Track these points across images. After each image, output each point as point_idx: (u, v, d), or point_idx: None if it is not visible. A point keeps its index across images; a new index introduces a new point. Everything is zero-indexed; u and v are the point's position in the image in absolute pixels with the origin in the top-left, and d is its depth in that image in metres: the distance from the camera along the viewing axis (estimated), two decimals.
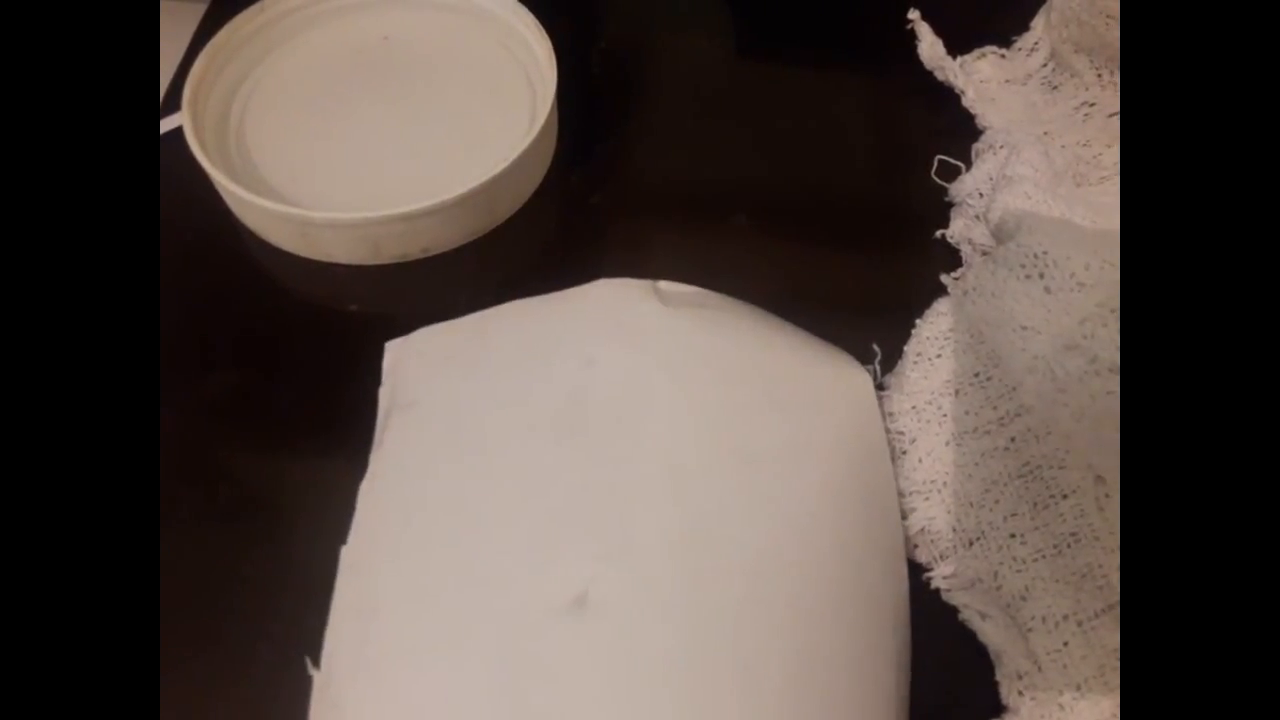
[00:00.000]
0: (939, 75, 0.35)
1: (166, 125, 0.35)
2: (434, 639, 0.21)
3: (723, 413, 0.24)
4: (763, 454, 0.24)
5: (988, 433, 0.25)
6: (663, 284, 0.27)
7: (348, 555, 0.24)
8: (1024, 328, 0.24)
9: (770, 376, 0.26)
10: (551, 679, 0.20)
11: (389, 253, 0.32)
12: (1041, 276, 0.25)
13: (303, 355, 0.31)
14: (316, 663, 0.22)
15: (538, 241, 0.34)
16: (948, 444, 0.25)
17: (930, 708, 0.23)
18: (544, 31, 0.35)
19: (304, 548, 0.25)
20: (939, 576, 0.25)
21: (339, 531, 0.24)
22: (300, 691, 0.22)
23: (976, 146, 0.33)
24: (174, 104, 0.36)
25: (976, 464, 0.25)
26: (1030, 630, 0.23)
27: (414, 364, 0.27)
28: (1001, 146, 0.31)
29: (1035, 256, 0.25)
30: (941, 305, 0.28)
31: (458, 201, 0.30)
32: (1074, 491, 0.24)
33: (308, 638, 0.23)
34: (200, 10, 0.39)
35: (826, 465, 0.24)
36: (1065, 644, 0.23)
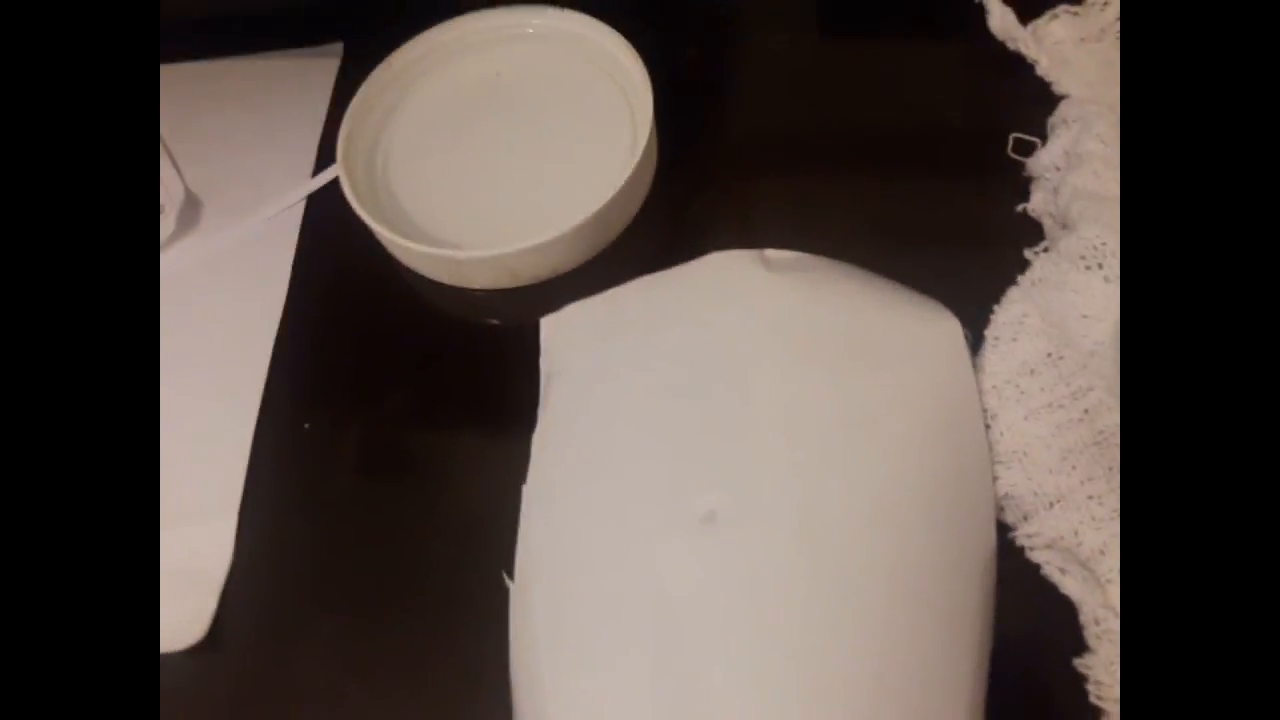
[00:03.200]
0: (1010, 46, 0.37)
1: (323, 178, 0.41)
2: (598, 550, 0.27)
3: (825, 365, 0.29)
4: (863, 399, 0.28)
5: (1062, 406, 0.28)
6: (769, 252, 0.32)
7: (528, 491, 0.30)
8: (1085, 316, 0.27)
9: (868, 329, 0.30)
10: (686, 577, 0.26)
11: (524, 276, 0.36)
12: (1100, 267, 0.27)
13: (458, 367, 0.37)
14: (511, 576, 0.28)
15: (649, 249, 0.38)
16: (1026, 418, 0.28)
17: (1020, 651, 0.27)
18: (636, 53, 0.38)
19: (489, 505, 0.31)
20: (1022, 535, 0.28)
21: (512, 493, 0.30)
22: (501, 604, 0.28)
23: (1051, 120, 0.34)
24: (325, 159, 0.41)
25: (1054, 435, 0.28)
26: (1109, 582, 0.26)
27: (566, 335, 0.33)
28: (1074, 120, 0.33)
29: (1094, 248, 0.27)
30: (1014, 294, 0.30)
31: (577, 228, 0.35)
32: None
33: (507, 564, 0.29)
34: (330, 72, 0.44)
35: (920, 411, 0.28)
36: None
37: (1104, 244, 0.27)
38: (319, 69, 0.44)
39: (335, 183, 0.38)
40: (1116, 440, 0.27)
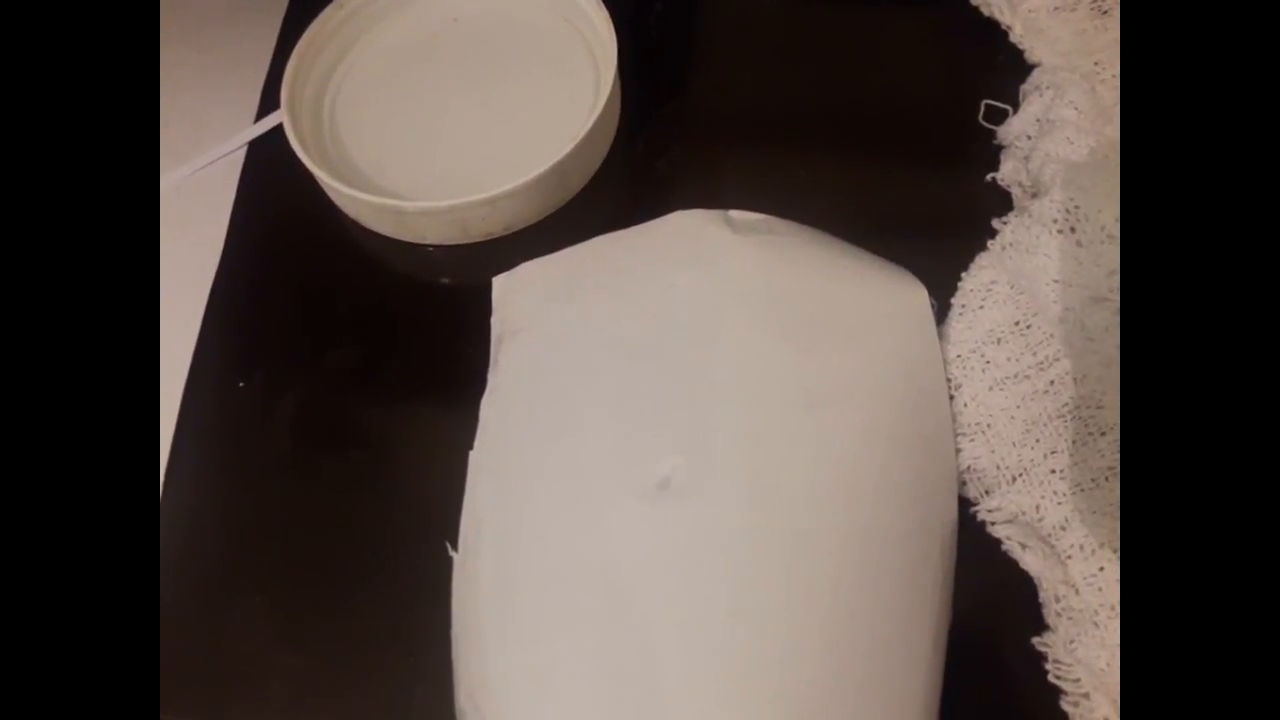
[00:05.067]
0: (984, 12, 0.36)
1: (267, 124, 0.39)
2: (547, 517, 0.26)
3: (787, 331, 0.28)
4: (825, 368, 0.27)
5: (1028, 377, 0.27)
6: (733, 213, 0.31)
7: (475, 458, 0.28)
8: (1056, 281, 0.26)
9: (832, 295, 0.29)
10: (639, 545, 0.25)
11: (476, 231, 0.35)
12: (1074, 230, 0.26)
13: (406, 326, 0.35)
14: (455, 547, 0.27)
15: (609, 207, 0.36)
16: (991, 389, 0.27)
17: (979, 629, 0.26)
18: (601, 2, 0.37)
19: (434, 472, 0.30)
20: (984, 510, 0.27)
21: (459, 461, 0.29)
22: (443, 575, 0.27)
23: (1024, 88, 0.34)
24: (268, 104, 0.39)
25: (1019, 406, 0.27)
26: (1069, 558, 0.26)
27: (519, 295, 0.31)
28: (1047, 87, 0.32)
29: (1068, 211, 0.26)
30: (983, 259, 0.29)
31: (534, 182, 0.33)
32: (1111, 428, 0.26)
33: (451, 534, 0.28)
34: (278, 12, 0.42)
35: (883, 381, 0.27)
36: (1100, 569, 0.25)
37: (1077, 207, 0.26)
38: (265, 6, 0.42)
39: (279, 128, 0.36)
40: (1081, 413, 0.26)
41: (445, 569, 0.28)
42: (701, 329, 0.28)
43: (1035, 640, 0.26)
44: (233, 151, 0.38)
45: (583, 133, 0.34)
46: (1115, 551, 0.25)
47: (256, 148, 0.39)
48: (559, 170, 0.34)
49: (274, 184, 0.37)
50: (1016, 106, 0.34)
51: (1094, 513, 0.26)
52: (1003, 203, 0.33)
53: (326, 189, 0.36)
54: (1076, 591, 0.25)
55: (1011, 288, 0.28)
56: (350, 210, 0.36)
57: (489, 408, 0.29)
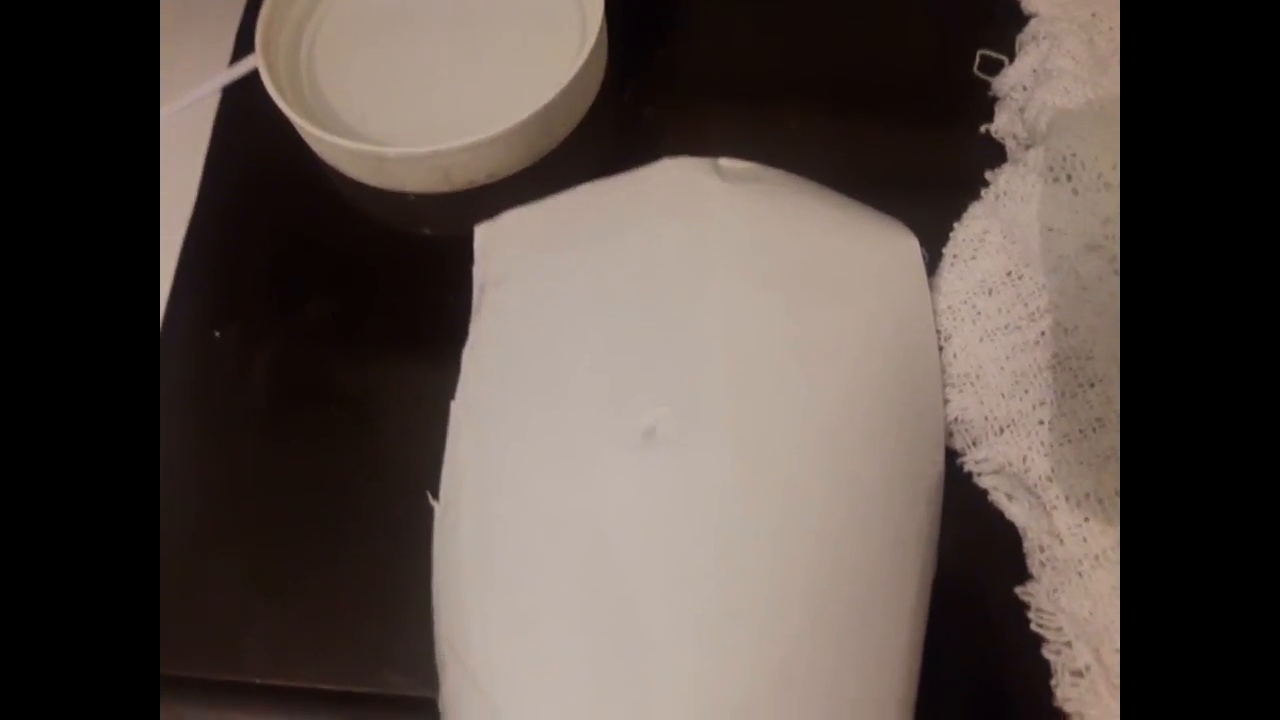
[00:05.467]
0: None
1: (242, 68, 0.37)
2: (530, 468, 0.26)
3: (776, 281, 0.27)
4: (814, 318, 0.27)
5: (1019, 328, 0.27)
6: (723, 161, 0.30)
7: (456, 408, 0.28)
8: (1051, 229, 0.26)
9: (822, 245, 0.28)
10: (623, 495, 0.25)
11: (458, 180, 0.34)
12: (1070, 178, 0.26)
13: (386, 276, 0.34)
14: (436, 497, 0.27)
15: (596, 156, 0.35)
16: (981, 340, 0.27)
17: (963, 579, 0.26)
18: None
19: (416, 423, 0.29)
20: (971, 461, 0.27)
21: (440, 412, 0.28)
22: (424, 526, 0.27)
23: (1020, 38, 0.33)
24: (244, 47, 0.38)
25: (1008, 357, 0.27)
26: (1054, 509, 0.25)
27: (502, 243, 0.31)
28: (1044, 38, 0.31)
29: (1064, 159, 0.26)
30: (976, 209, 0.29)
31: (518, 128, 0.32)
32: (1100, 380, 0.26)
33: (432, 485, 0.28)
34: None
35: (872, 332, 0.27)
36: (1085, 520, 0.25)
37: (1074, 154, 0.26)
38: None
39: (255, 73, 0.35)
40: (1071, 364, 0.26)
41: (426, 520, 0.27)
42: (689, 278, 0.27)
43: (1019, 590, 0.26)
44: (206, 97, 0.37)
45: (568, 78, 0.33)
46: (1100, 502, 0.25)
47: (231, 93, 0.37)
48: (544, 116, 0.33)
49: (249, 131, 0.36)
50: (1012, 58, 0.33)
51: (1081, 463, 0.25)
52: (997, 155, 0.32)
53: (304, 135, 0.35)
54: (1061, 542, 0.25)
55: (1004, 237, 0.27)
56: (329, 157, 0.35)
57: (471, 358, 0.29)
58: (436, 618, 0.26)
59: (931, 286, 0.29)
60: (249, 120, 0.36)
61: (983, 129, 0.33)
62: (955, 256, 0.28)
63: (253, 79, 0.35)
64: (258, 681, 0.28)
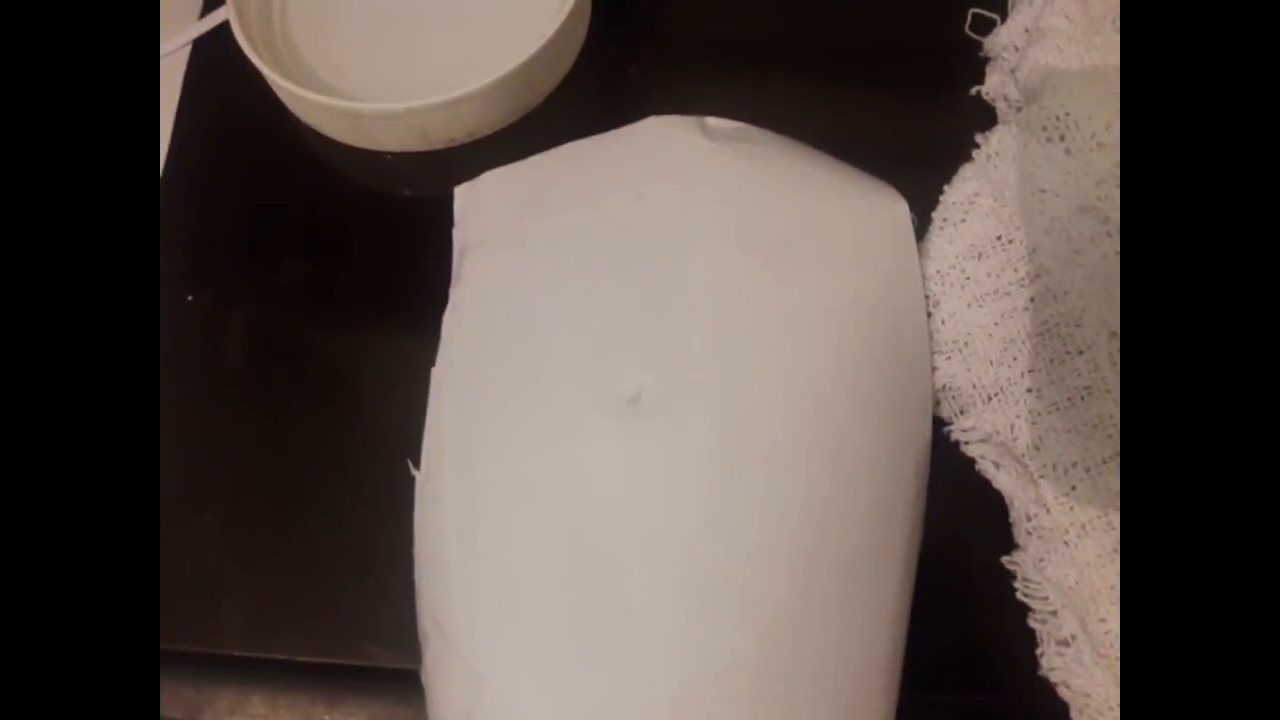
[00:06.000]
0: None
1: (212, 20, 0.36)
2: (513, 434, 0.25)
3: (763, 244, 0.27)
4: (800, 283, 0.26)
5: (1008, 294, 0.26)
6: (710, 120, 0.29)
7: (437, 374, 0.27)
8: (1042, 190, 0.25)
9: (809, 208, 0.28)
10: (607, 461, 0.24)
11: (437, 138, 0.33)
12: (1063, 139, 0.25)
13: (364, 239, 0.33)
14: (417, 465, 0.27)
15: (579, 115, 0.35)
16: (970, 306, 0.27)
17: (949, 547, 0.26)
18: None
19: (395, 390, 0.29)
20: (958, 430, 0.27)
21: (420, 378, 0.27)
22: (405, 494, 0.26)
23: None
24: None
25: (997, 324, 0.27)
26: (1042, 478, 0.25)
27: (482, 205, 0.30)
28: None
29: (1057, 119, 0.25)
30: (967, 171, 0.28)
31: (498, 84, 0.31)
32: (1089, 347, 0.25)
33: (413, 452, 0.27)
34: None
35: (860, 297, 0.27)
36: (1073, 488, 0.25)
37: (1067, 114, 0.25)
38: None
39: (225, 25, 0.34)
40: (1060, 331, 0.26)
41: (407, 488, 0.27)
42: (674, 241, 0.27)
43: (1005, 559, 0.26)
44: (175, 51, 0.36)
45: (550, 32, 0.32)
46: (1088, 471, 0.25)
47: (201, 46, 0.36)
48: (525, 72, 0.32)
49: (221, 86, 0.35)
50: (1005, 16, 0.33)
51: (1068, 432, 0.25)
52: (987, 118, 0.32)
53: (278, 91, 0.33)
54: (1048, 510, 0.25)
55: (995, 200, 0.27)
56: (303, 114, 0.34)
57: (451, 323, 0.28)
58: (418, 588, 0.26)
59: (920, 251, 0.28)
60: (220, 76, 0.35)
61: (974, 90, 0.32)
62: (945, 220, 0.28)
63: (224, 31, 0.34)
64: (235, 653, 0.28)
